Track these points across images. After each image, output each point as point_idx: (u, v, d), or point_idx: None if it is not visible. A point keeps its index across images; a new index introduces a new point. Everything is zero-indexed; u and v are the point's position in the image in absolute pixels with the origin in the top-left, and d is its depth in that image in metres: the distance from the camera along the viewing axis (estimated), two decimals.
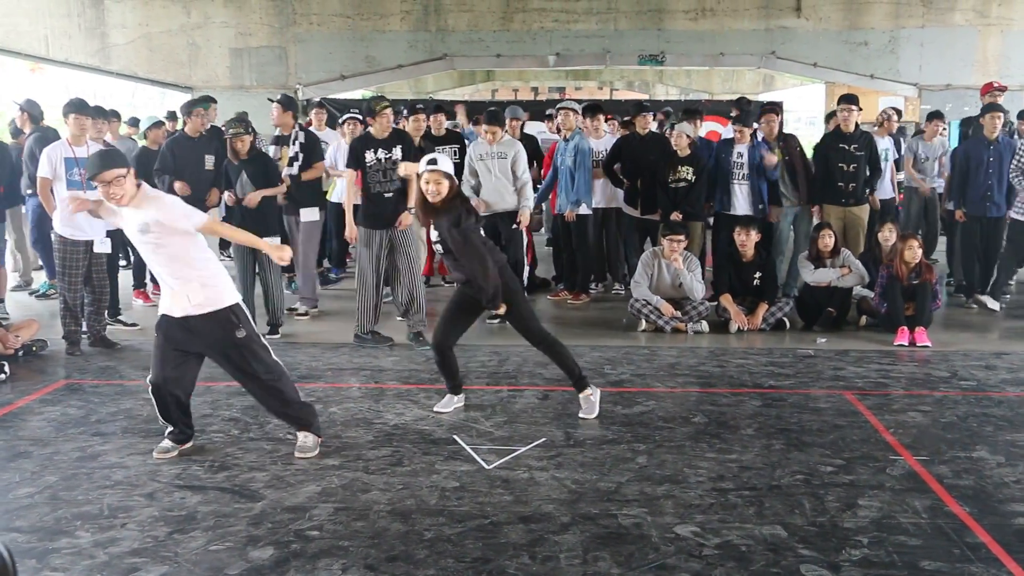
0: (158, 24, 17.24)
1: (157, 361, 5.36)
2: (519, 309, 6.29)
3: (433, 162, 6.07)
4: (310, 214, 9.59)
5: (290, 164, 9.62)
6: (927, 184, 11.55)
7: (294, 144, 9.67)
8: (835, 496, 4.86)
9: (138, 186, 5.23)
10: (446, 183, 6.02)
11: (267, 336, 8.43)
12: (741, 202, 9.96)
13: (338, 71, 17.46)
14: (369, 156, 8.15)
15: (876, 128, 11.47)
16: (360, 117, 11.58)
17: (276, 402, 5.48)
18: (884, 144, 11.00)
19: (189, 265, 5.24)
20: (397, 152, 8.15)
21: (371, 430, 5.96)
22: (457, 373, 6.46)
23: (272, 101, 9.90)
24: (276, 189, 8.76)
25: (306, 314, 9.62)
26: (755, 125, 10.45)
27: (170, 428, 5.51)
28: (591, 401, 6.28)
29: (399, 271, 8.27)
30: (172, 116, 12.10)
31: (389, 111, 8.28)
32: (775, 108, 10.78)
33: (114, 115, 11.70)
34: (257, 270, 8.59)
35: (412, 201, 7.94)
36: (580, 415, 6.22)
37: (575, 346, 8.15)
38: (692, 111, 11.36)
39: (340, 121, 11.83)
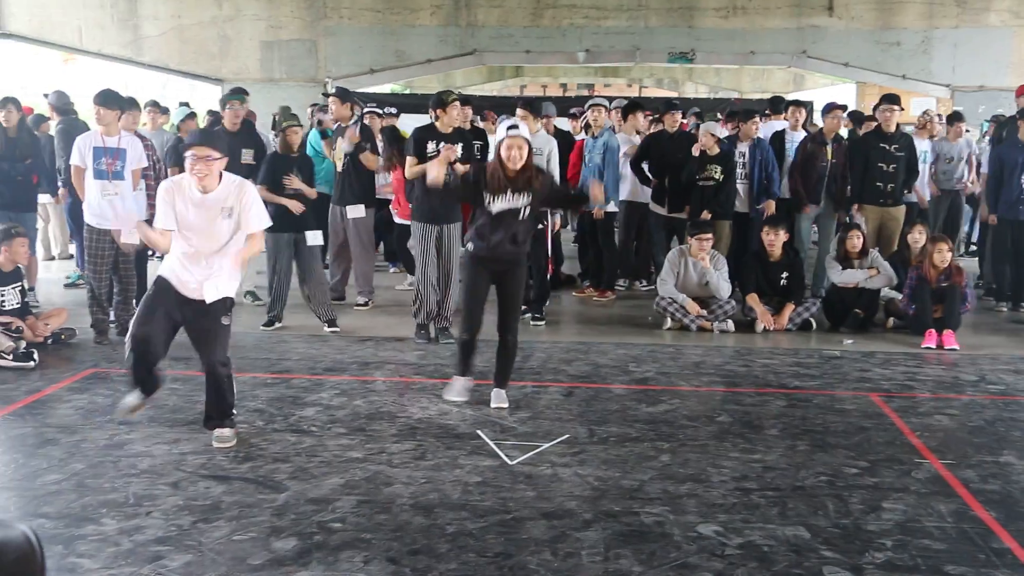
0: (190, 16, 17.31)
1: (144, 318, 5.40)
2: (518, 282, 6.34)
3: (515, 127, 6.09)
4: (356, 211, 9.58)
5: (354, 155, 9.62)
6: (952, 184, 11.50)
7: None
8: (859, 498, 4.83)
9: (220, 176, 5.41)
10: (527, 148, 6.06)
11: (328, 329, 8.50)
12: (738, 206, 10.04)
13: (367, 65, 17.48)
14: (430, 148, 8.00)
15: (917, 130, 11.40)
16: (380, 111, 11.63)
17: (213, 387, 5.58)
18: (924, 146, 10.96)
19: (228, 258, 5.45)
20: (457, 149, 8.01)
21: (395, 424, 5.97)
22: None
23: (328, 96, 9.91)
24: (308, 190, 8.70)
25: (366, 304, 9.68)
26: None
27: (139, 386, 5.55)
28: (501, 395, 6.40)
29: (444, 265, 8.21)
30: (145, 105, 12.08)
31: (459, 104, 8.21)
32: (843, 106, 10.70)
33: (155, 106, 11.81)
34: (298, 264, 8.61)
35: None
36: (494, 404, 6.34)
37: (600, 343, 8.19)
38: (748, 111, 11.31)
39: (360, 114, 11.89)
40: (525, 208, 6.11)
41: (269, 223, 5.66)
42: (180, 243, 5.45)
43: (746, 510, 4.65)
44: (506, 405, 6.31)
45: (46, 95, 11.47)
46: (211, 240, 5.41)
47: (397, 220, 11.00)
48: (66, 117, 10.87)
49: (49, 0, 16.87)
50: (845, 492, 4.91)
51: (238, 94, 10.10)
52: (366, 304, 9.71)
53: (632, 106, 11.28)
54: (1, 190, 9.80)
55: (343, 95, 9.91)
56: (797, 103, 11.42)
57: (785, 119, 11.23)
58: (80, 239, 10.74)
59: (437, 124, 8.13)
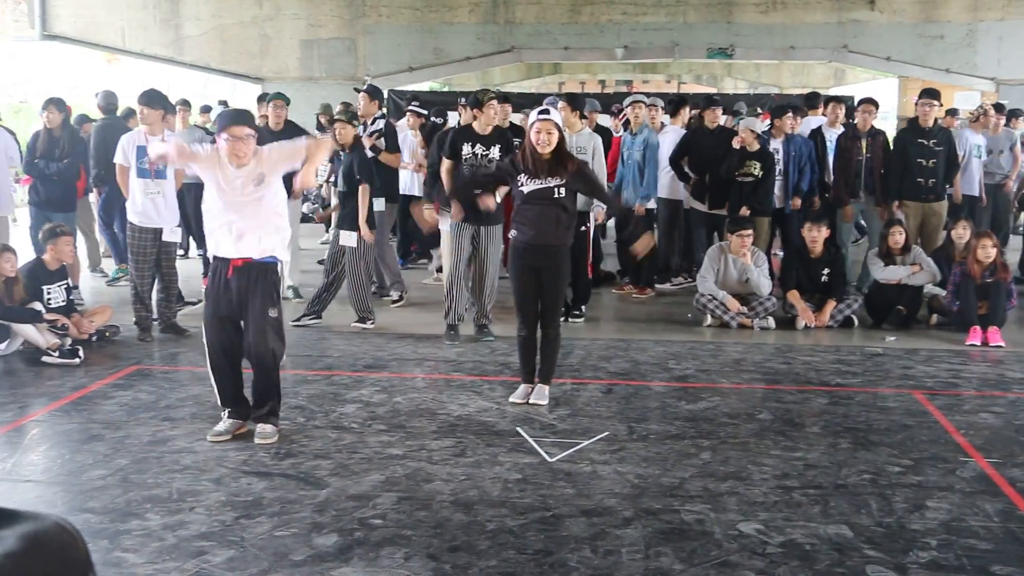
0: (231, 16, 17.45)
1: (211, 329, 5.58)
2: (561, 275, 6.35)
3: (545, 112, 6.14)
4: (376, 204, 9.60)
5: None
6: (996, 178, 11.37)
7: (371, 126, 9.73)
8: (903, 497, 4.78)
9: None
10: (557, 133, 6.08)
11: (357, 324, 8.54)
12: (775, 203, 9.99)
13: (406, 63, 17.54)
14: (466, 149, 7.98)
15: (971, 123, 11.28)
16: (422, 111, 11.67)
17: (258, 379, 5.64)
18: (977, 140, 10.85)
19: (269, 219, 5.53)
20: (495, 151, 7.97)
21: (435, 421, 5.99)
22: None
23: (359, 91, 9.96)
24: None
25: (401, 299, 9.70)
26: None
27: (227, 409, 5.66)
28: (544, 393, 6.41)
29: (480, 268, 8.19)
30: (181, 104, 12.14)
31: (496, 103, 8.15)
32: (874, 101, 10.55)
33: (184, 104, 11.86)
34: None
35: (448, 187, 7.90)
36: (534, 399, 6.33)
37: (639, 340, 8.17)
38: (796, 106, 11.22)
39: (381, 113, 11.95)
40: (558, 189, 6.10)
41: (302, 138, 5.66)
42: (223, 227, 5.50)
43: (788, 508, 4.62)
44: (545, 402, 6.31)
45: (97, 95, 11.63)
46: (249, 213, 5.45)
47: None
48: (106, 116, 11.00)
49: (94, 1, 17.07)
50: (888, 491, 4.87)
51: (281, 95, 10.18)
52: (401, 298, 9.72)
53: (681, 101, 11.20)
54: (40, 189, 9.95)
55: (372, 92, 9.94)
56: (837, 99, 11.32)
57: (824, 115, 11.14)
58: (109, 235, 10.93)
59: (474, 124, 8.10)
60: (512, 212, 6.32)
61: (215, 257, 5.61)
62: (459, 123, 9.22)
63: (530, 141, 6.13)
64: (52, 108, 9.90)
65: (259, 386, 5.64)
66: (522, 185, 6.15)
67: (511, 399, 6.36)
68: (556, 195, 6.12)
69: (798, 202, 10.10)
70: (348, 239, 8.50)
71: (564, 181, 6.11)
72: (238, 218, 5.47)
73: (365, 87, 10.08)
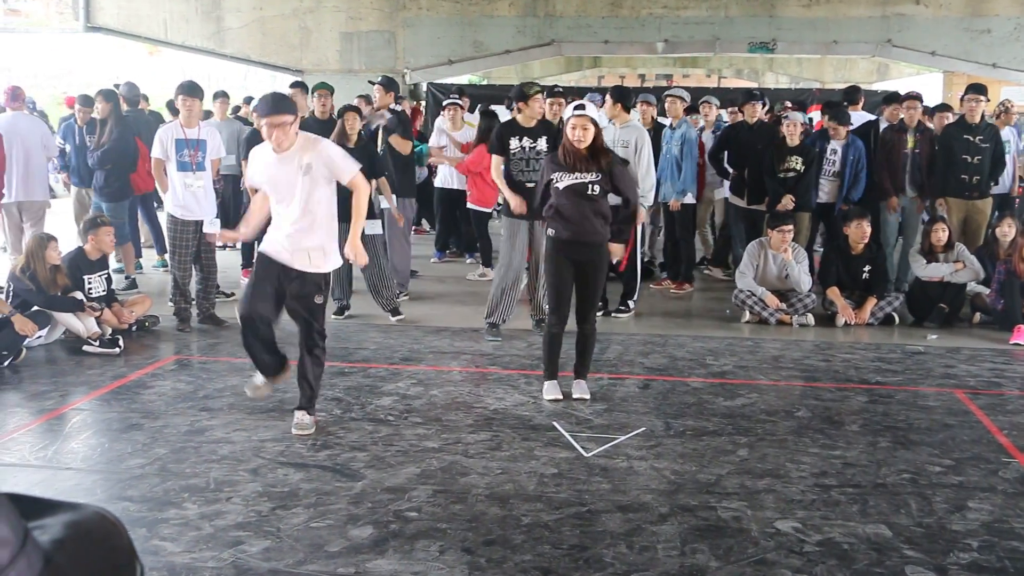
0: (272, 8, 17.53)
1: (251, 295, 5.56)
2: (599, 271, 6.32)
3: (580, 107, 6.12)
4: (372, 227, 9.49)
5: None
6: None
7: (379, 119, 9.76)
8: (943, 497, 4.73)
9: (296, 133, 5.52)
10: (592, 129, 6.08)
11: (393, 319, 8.59)
12: (822, 197, 9.87)
13: (446, 56, 17.54)
14: (513, 143, 7.95)
15: (994, 119, 11.11)
16: (461, 102, 11.67)
17: (311, 368, 5.69)
18: (1004, 135, 10.68)
19: (322, 224, 5.55)
20: (542, 143, 7.94)
21: (471, 414, 5.99)
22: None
23: (373, 83, 9.99)
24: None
25: (405, 295, 9.72)
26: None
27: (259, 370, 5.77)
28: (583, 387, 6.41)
29: (535, 262, 8.18)
30: (220, 95, 12.17)
31: (540, 98, 8.08)
32: (919, 96, 10.38)
33: (224, 96, 11.95)
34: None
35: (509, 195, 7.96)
36: (577, 394, 6.35)
37: (677, 336, 8.13)
38: (841, 112, 11.08)
39: (443, 105, 11.97)
40: (593, 185, 6.08)
41: (358, 165, 5.68)
42: (272, 212, 5.60)
43: (826, 507, 4.59)
44: (588, 396, 6.30)
45: (117, 86, 11.70)
46: (295, 202, 5.43)
47: (469, 206, 11.04)
48: (131, 109, 11.08)
49: None
50: (928, 490, 4.82)
51: (324, 84, 10.21)
52: (404, 295, 9.71)
53: (749, 95, 11.08)
54: (99, 179, 10.06)
55: (387, 84, 9.96)
56: (911, 96, 10.87)
57: (881, 112, 10.99)
58: (153, 226, 11.05)
59: (519, 118, 8.06)
60: (547, 208, 6.29)
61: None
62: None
63: (566, 136, 6.13)
64: (100, 98, 10.03)
65: (305, 373, 5.68)
66: (558, 181, 6.13)
67: (545, 397, 6.31)
68: (590, 191, 6.09)
69: (845, 208, 9.99)
70: (372, 228, 8.55)
71: (599, 177, 6.10)
72: (285, 217, 5.49)
73: (380, 79, 10.09)
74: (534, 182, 7.89)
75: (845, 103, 11.51)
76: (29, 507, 1.11)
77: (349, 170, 5.55)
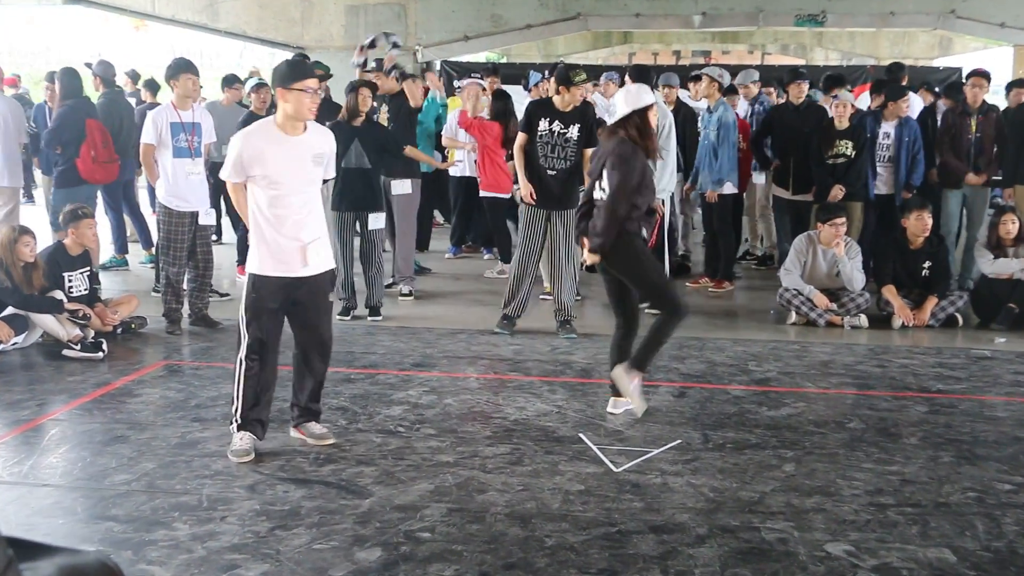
0: None
1: (259, 318, 5.49)
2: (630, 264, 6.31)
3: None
4: (401, 187, 9.63)
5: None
6: None
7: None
8: (1014, 518, 4.70)
9: None
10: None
11: (369, 318, 8.61)
12: (881, 188, 9.82)
13: (461, 31, 17.56)
14: (543, 125, 8.04)
15: None
16: (483, 83, 11.67)
17: (313, 375, 5.70)
18: None
19: (319, 218, 5.56)
20: (574, 131, 8.00)
21: (489, 425, 6.00)
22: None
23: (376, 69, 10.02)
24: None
25: (410, 294, 9.74)
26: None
27: (250, 425, 5.51)
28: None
29: (551, 257, 8.26)
30: (231, 81, 12.20)
31: (587, 87, 8.26)
32: (986, 74, 10.28)
33: (236, 81, 12.04)
34: (360, 246, 8.71)
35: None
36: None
37: (716, 339, 8.12)
38: (898, 87, 11.02)
39: (458, 86, 11.98)
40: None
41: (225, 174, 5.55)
42: (265, 205, 5.37)
43: (882, 528, 4.57)
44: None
45: (88, 64, 11.76)
46: (299, 194, 5.41)
47: (482, 193, 11.00)
48: (109, 91, 11.15)
49: None
50: (997, 511, 4.79)
51: (321, 65, 10.24)
52: (410, 294, 9.75)
53: (795, 74, 10.99)
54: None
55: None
56: (976, 73, 10.77)
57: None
58: (135, 218, 11.10)
59: (556, 100, 8.12)
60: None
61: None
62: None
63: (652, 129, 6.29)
64: (60, 76, 10.21)
65: (312, 383, 5.70)
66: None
67: (609, 409, 6.25)
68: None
69: (907, 195, 9.94)
70: (376, 221, 8.67)
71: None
72: (286, 209, 5.42)
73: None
74: (557, 171, 7.94)
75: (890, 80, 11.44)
76: (25, 551, 1.13)
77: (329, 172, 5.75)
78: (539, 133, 8.03)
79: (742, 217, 11.45)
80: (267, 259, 5.40)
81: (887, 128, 9.89)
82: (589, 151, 8.04)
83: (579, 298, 9.27)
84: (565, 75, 8.08)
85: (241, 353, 5.46)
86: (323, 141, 5.57)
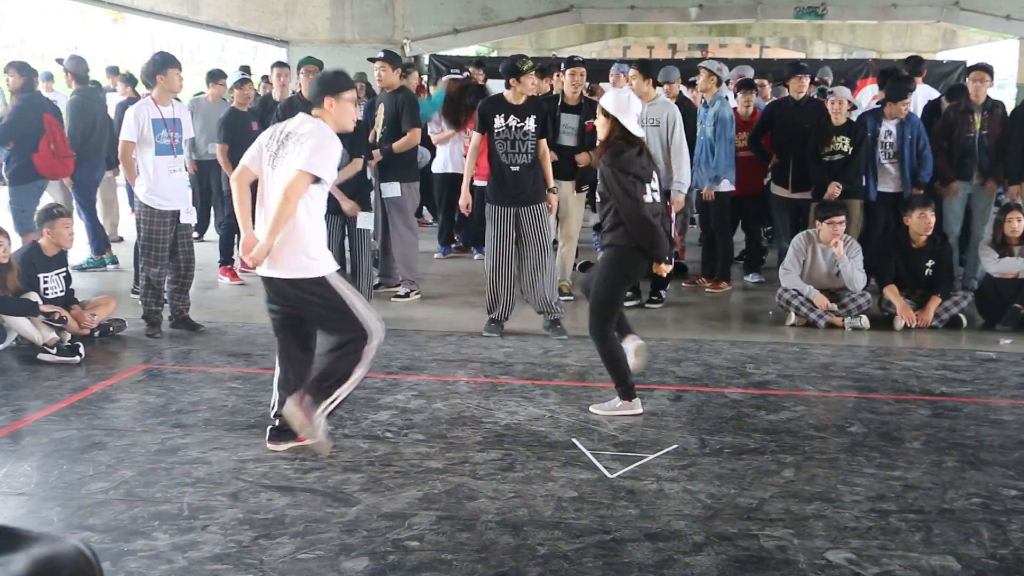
0: None
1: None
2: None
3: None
4: (390, 189, 9.56)
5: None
6: None
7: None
8: (1020, 525, 4.72)
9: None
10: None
11: (400, 298, 8.67)
12: (889, 186, 9.84)
13: (451, 24, 17.56)
14: (498, 122, 8.12)
15: None
16: (459, 78, 11.72)
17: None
18: None
19: (293, 226, 5.38)
20: (530, 123, 8.11)
21: (480, 430, 6.00)
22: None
23: (374, 60, 9.98)
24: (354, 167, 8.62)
25: (407, 295, 9.72)
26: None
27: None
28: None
29: (525, 254, 8.27)
30: (217, 77, 12.22)
31: (534, 75, 8.24)
32: (987, 68, 10.29)
33: (220, 76, 12.08)
34: (347, 247, 8.71)
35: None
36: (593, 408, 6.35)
37: (713, 341, 8.12)
38: (900, 86, 11.04)
39: (441, 81, 12.03)
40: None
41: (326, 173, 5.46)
42: (316, 206, 5.45)
43: (884, 535, 4.58)
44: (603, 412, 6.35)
45: (60, 60, 11.76)
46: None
47: (475, 183, 11.04)
48: (83, 87, 11.14)
49: None
50: (1003, 517, 4.80)
51: (314, 59, 10.23)
52: (407, 295, 9.75)
53: (795, 68, 10.96)
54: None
55: (392, 58, 9.93)
56: (979, 67, 10.78)
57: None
58: (90, 219, 11.08)
59: (507, 94, 8.23)
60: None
61: None
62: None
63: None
64: (13, 71, 10.16)
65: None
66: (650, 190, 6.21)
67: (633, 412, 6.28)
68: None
69: (918, 192, 9.96)
70: (365, 221, 8.70)
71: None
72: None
73: (382, 53, 10.08)
74: (519, 165, 8.04)
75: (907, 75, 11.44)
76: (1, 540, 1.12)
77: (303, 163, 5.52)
78: (496, 130, 8.12)
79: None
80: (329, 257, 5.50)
81: (888, 126, 9.90)
82: (544, 142, 8.19)
83: (570, 298, 9.28)
84: (513, 67, 8.18)
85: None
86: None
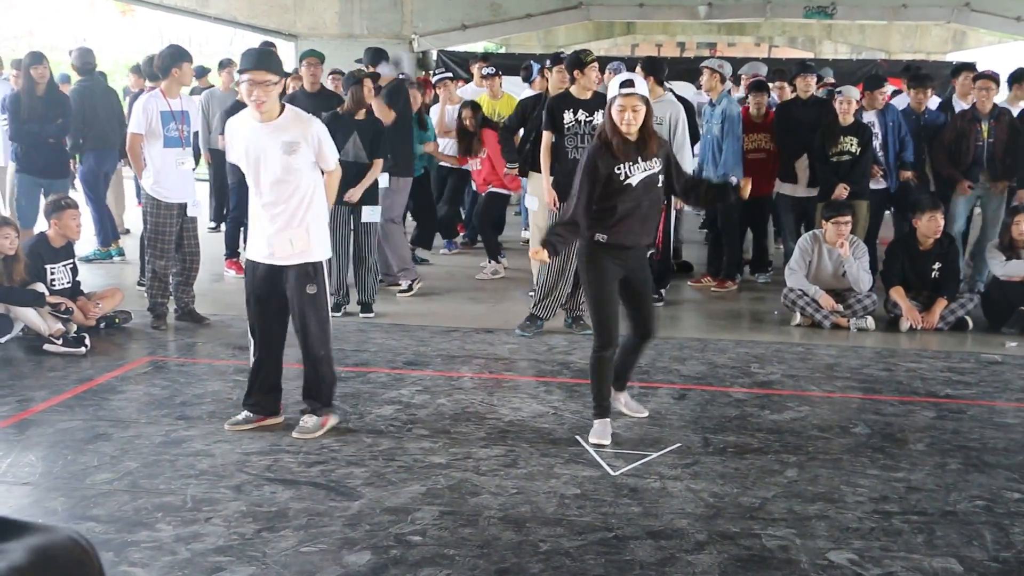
0: None
1: (250, 306, 5.88)
2: (649, 275, 6.25)
3: (629, 84, 5.64)
4: (370, 214, 9.44)
5: None
6: None
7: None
8: (1023, 528, 4.72)
9: (283, 107, 5.69)
10: (644, 110, 5.63)
11: (361, 315, 8.61)
12: (879, 182, 9.90)
13: (459, 20, 17.53)
14: (568, 117, 8.06)
15: None
16: (449, 75, 11.78)
17: (311, 369, 5.92)
18: None
19: (305, 210, 5.68)
20: (599, 117, 7.86)
21: (483, 426, 6.01)
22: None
23: (358, 62, 9.97)
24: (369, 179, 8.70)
25: (410, 288, 9.74)
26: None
27: (250, 399, 5.95)
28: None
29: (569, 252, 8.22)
30: (227, 64, 12.30)
31: (596, 66, 8.17)
32: (993, 76, 10.27)
33: (230, 64, 12.14)
34: (352, 240, 8.70)
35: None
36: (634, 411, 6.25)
37: (718, 340, 8.12)
38: (876, 78, 11.05)
39: (434, 81, 12.05)
40: (658, 176, 5.75)
41: (336, 158, 5.95)
42: (252, 194, 5.77)
43: (886, 536, 4.58)
44: (645, 412, 6.28)
45: (71, 53, 11.81)
46: (275, 182, 5.62)
47: (492, 189, 11.08)
48: (87, 78, 11.16)
49: None
50: (1006, 520, 4.80)
51: (313, 52, 10.25)
52: (410, 288, 9.75)
53: (803, 67, 10.98)
54: (33, 155, 10.15)
55: (374, 57, 10.00)
56: (984, 76, 10.75)
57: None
58: (97, 211, 11.10)
59: (573, 89, 8.17)
60: (595, 210, 5.77)
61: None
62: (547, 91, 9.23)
63: (610, 121, 5.68)
64: (46, 64, 10.24)
65: (311, 381, 5.93)
66: (627, 176, 5.64)
67: (592, 440, 5.75)
68: (659, 184, 5.79)
69: (907, 174, 9.98)
70: (370, 214, 8.74)
71: (661, 166, 5.75)
72: (265, 200, 5.70)
73: (366, 54, 10.12)
74: None
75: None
76: None
77: (334, 159, 5.87)
78: (567, 125, 8.04)
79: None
80: (251, 246, 5.87)
81: (869, 116, 9.96)
82: None
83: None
84: (577, 59, 8.14)
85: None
86: (296, 130, 5.67)
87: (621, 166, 5.63)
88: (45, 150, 10.21)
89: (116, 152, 11.22)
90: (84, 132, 10.84)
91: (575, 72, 8.11)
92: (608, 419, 5.88)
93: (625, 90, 5.60)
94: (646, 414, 6.18)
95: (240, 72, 5.58)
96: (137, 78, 12.86)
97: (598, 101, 8.02)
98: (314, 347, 5.81)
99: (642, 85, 5.72)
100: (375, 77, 8.94)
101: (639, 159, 5.67)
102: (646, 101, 5.68)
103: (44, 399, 6.40)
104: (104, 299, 8.25)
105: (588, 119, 8.04)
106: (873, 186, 9.90)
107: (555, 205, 8.10)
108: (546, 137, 8.21)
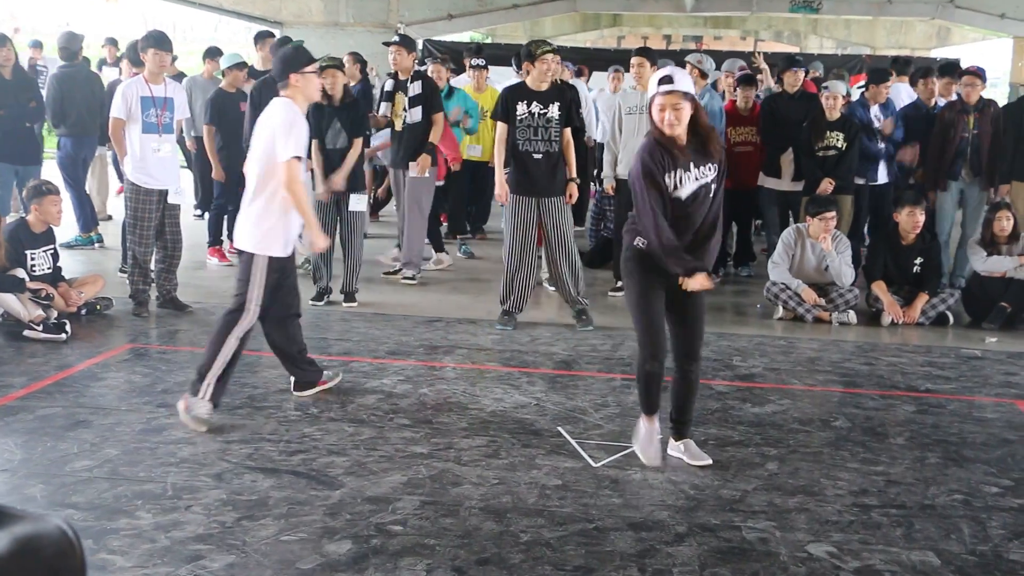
0: None
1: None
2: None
3: (667, 80, 5.05)
4: (357, 203, 9.44)
5: (409, 108, 9.55)
6: None
7: (411, 86, 9.60)
8: (1000, 522, 4.74)
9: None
10: (687, 108, 5.04)
11: (344, 304, 8.60)
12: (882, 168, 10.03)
13: (445, 10, 17.51)
14: (520, 108, 7.97)
15: None
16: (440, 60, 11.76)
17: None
18: None
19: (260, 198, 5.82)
20: (554, 109, 7.94)
21: (465, 416, 6.01)
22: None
23: (388, 44, 9.91)
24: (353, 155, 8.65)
25: (412, 279, 9.73)
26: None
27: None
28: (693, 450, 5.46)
29: (549, 245, 8.17)
30: (214, 54, 12.28)
31: (550, 58, 7.99)
32: (978, 72, 10.31)
33: (217, 53, 12.10)
34: (339, 229, 8.68)
35: (574, 171, 8.12)
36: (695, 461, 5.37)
37: None
38: (880, 71, 11.09)
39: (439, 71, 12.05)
40: (711, 185, 5.16)
41: (293, 152, 5.66)
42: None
43: (865, 529, 4.60)
44: (709, 460, 5.37)
45: (59, 38, 11.79)
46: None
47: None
48: (68, 63, 11.12)
49: None
50: (983, 514, 4.83)
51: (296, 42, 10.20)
52: (413, 278, 9.74)
53: (790, 61, 10.99)
54: (6, 141, 10.10)
55: (407, 43, 9.90)
56: (969, 72, 10.81)
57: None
58: (77, 196, 11.03)
59: (528, 80, 8.11)
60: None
61: None
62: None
63: (654, 124, 5.12)
64: (9, 47, 10.21)
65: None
66: (677, 188, 5.07)
67: (641, 452, 5.38)
68: (712, 193, 5.17)
69: (909, 152, 10.12)
70: (357, 203, 8.71)
71: (716, 171, 5.17)
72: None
73: (397, 38, 10.03)
74: (542, 153, 7.90)
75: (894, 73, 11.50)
76: None
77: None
78: (519, 117, 7.97)
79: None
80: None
81: (875, 110, 10.01)
82: (569, 131, 8.06)
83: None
84: (528, 51, 8.11)
85: None
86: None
87: (671, 174, 5.06)
88: (18, 135, 10.16)
89: (94, 138, 11.16)
90: (61, 118, 10.80)
91: (526, 64, 8.09)
92: (656, 415, 5.42)
93: (664, 87, 5.02)
94: (709, 462, 5.34)
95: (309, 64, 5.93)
96: (111, 48, 12.86)
97: (554, 93, 8.03)
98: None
99: (684, 81, 5.10)
100: (341, 66, 8.87)
101: (691, 165, 5.09)
102: (691, 98, 5.06)
103: (24, 385, 6.37)
104: (86, 286, 8.21)
105: (542, 111, 7.96)
106: (876, 182, 9.95)
107: (506, 197, 8.14)
108: (500, 128, 8.12)
